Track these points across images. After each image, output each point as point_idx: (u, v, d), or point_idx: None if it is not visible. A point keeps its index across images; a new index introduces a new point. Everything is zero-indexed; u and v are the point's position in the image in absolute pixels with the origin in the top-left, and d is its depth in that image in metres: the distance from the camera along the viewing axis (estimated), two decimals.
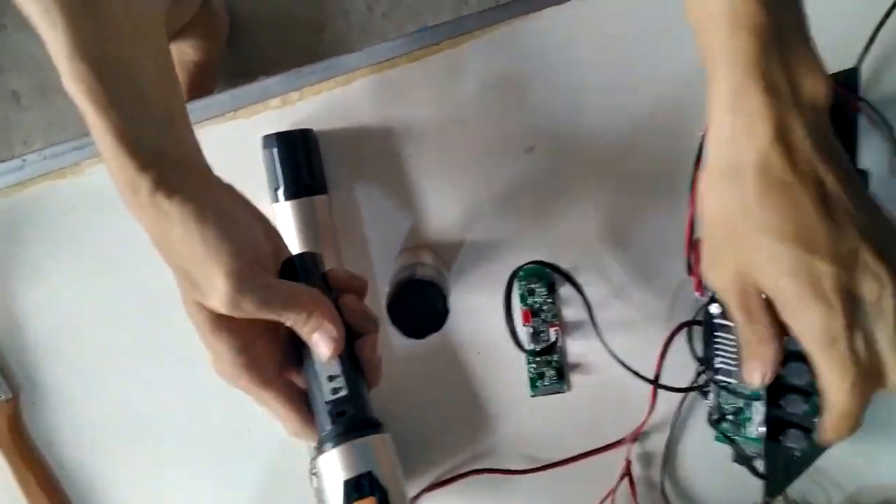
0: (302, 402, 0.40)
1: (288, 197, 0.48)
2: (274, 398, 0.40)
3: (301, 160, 0.49)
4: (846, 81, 0.45)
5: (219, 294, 0.36)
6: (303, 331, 0.39)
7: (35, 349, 0.55)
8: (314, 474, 0.51)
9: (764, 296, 0.38)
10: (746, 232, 0.36)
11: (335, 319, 0.39)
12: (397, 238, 0.53)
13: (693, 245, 0.49)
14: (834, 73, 0.44)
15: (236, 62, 0.96)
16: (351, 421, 0.38)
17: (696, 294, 0.51)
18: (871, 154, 0.50)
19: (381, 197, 0.53)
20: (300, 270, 0.41)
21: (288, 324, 0.38)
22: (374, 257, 0.53)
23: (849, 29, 0.48)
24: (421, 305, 0.44)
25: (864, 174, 0.48)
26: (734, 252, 0.37)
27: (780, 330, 0.38)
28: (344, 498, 0.36)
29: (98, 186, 0.52)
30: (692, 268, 0.50)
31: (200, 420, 0.56)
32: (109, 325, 0.55)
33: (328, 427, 0.38)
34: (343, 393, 0.38)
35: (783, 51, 0.35)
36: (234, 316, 0.37)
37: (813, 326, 0.35)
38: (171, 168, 0.37)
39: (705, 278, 0.39)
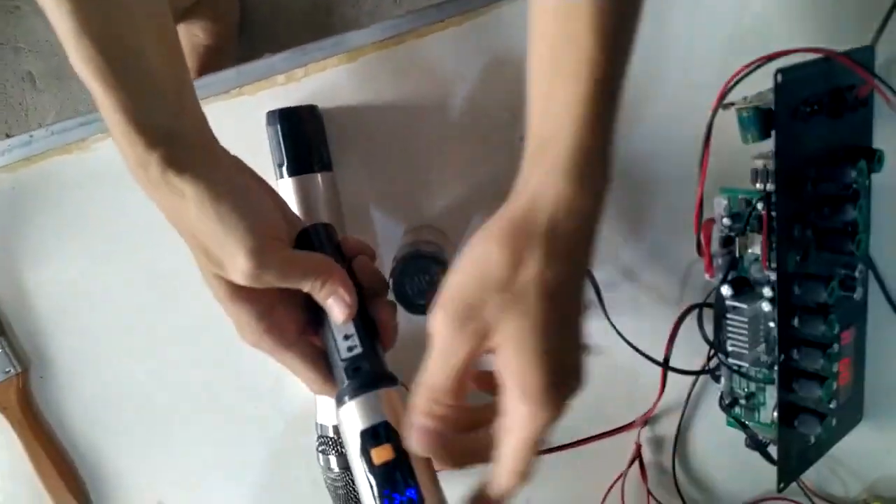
0: (322, 362, 0.42)
1: (291, 173, 0.48)
2: (295, 359, 0.42)
3: (305, 136, 0.48)
4: (861, 60, 0.44)
5: (240, 269, 0.37)
6: (318, 296, 0.40)
7: (44, 324, 0.55)
8: (321, 451, 0.51)
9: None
10: (525, 304, 0.34)
11: (348, 285, 0.40)
12: (403, 218, 0.53)
13: (703, 224, 0.48)
14: (848, 51, 0.43)
15: (244, 43, 0.96)
16: (366, 375, 0.40)
17: (707, 275, 0.49)
18: (885, 134, 0.48)
19: (387, 176, 0.52)
20: (315, 240, 0.43)
21: (305, 290, 0.40)
22: (379, 237, 0.53)
23: (864, 7, 0.46)
24: (424, 280, 0.43)
25: (877, 154, 0.47)
26: (501, 302, 0.34)
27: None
28: (361, 446, 0.38)
29: (105, 162, 0.52)
30: (702, 248, 0.48)
31: (208, 397, 0.56)
32: (117, 301, 0.55)
33: (345, 382, 0.40)
34: (357, 351, 0.40)
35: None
36: (258, 286, 0.38)
37: (521, 427, 0.35)
38: (181, 145, 0.38)
39: (440, 315, 0.35)
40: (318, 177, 0.49)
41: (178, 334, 0.55)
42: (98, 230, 0.53)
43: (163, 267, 0.54)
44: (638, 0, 0.36)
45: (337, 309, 0.40)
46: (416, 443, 0.37)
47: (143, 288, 0.55)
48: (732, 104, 0.45)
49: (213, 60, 0.92)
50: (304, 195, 0.48)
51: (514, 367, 0.34)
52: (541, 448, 0.36)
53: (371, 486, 0.38)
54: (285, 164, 0.48)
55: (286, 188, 0.48)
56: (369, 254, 0.44)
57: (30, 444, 0.56)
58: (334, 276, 0.40)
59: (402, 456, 0.38)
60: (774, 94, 0.41)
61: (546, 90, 0.35)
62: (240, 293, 0.39)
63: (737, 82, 0.44)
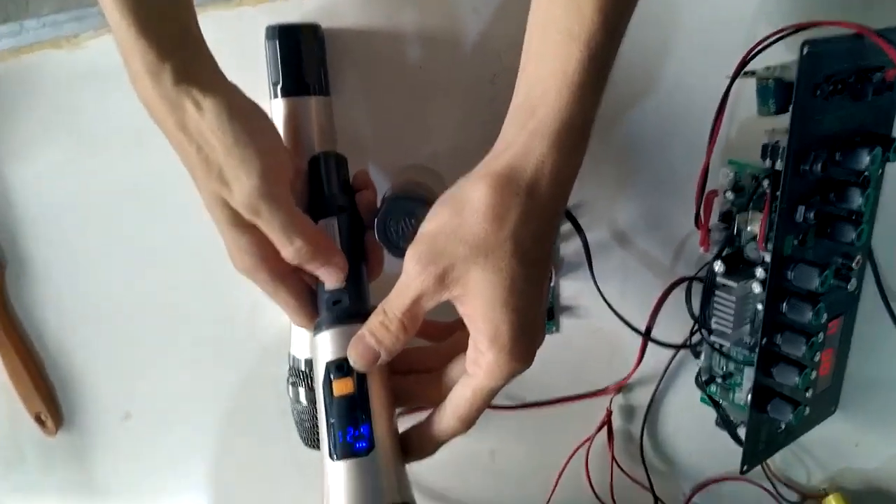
0: (310, 299, 0.42)
1: (285, 93, 0.46)
2: (286, 292, 0.41)
3: (303, 56, 0.46)
4: (890, 40, 0.42)
5: (246, 191, 0.37)
6: (306, 264, 0.40)
7: (22, 225, 0.54)
8: (292, 384, 0.50)
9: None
10: (500, 252, 0.34)
11: (342, 264, 0.41)
12: (398, 155, 0.51)
13: (706, 196, 0.47)
14: (883, 30, 0.40)
15: None
16: (344, 310, 0.40)
17: (701, 249, 0.48)
18: None
19: (387, 108, 0.50)
20: (324, 171, 0.44)
21: (287, 252, 0.39)
22: (372, 171, 0.51)
23: None
24: (410, 224, 0.42)
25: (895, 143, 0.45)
26: (471, 254, 0.34)
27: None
28: (324, 377, 0.39)
29: (96, 62, 0.49)
30: (701, 219, 0.47)
31: (182, 317, 0.55)
32: (98, 209, 0.53)
33: (324, 313, 0.41)
34: (342, 285, 0.41)
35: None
36: (247, 217, 0.38)
37: (486, 373, 0.36)
38: (194, 55, 0.38)
39: (410, 252, 0.35)
40: (313, 100, 0.47)
41: (157, 250, 0.54)
42: (83, 132, 0.51)
43: (148, 179, 0.52)
44: None
45: (326, 278, 0.41)
46: (352, 351, 0.38)
47: (125, 198, 0.53)
48: (753, 73, 0.43)
49: None
50: (297, 118, 0.46)
51: (485, 318, 0.34)
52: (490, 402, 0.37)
53: (327, 416, 0.38)
54: (280, 82, 0.46)
55: (278, 109, 0.46)
56: (373, 189, 0.45)
57: (1, 342, 0.55)
58: (323, 249, 0.40)
59: (361, 392, 0.38)
60: (798, 66, 0.39)
61: (540, 49, 0.35)
62: (241, 218, 0.39)
63: (761, 49, 0.42)
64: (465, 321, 0.36)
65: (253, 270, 0.41)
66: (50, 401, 0.57)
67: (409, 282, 0.35)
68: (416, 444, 0.39)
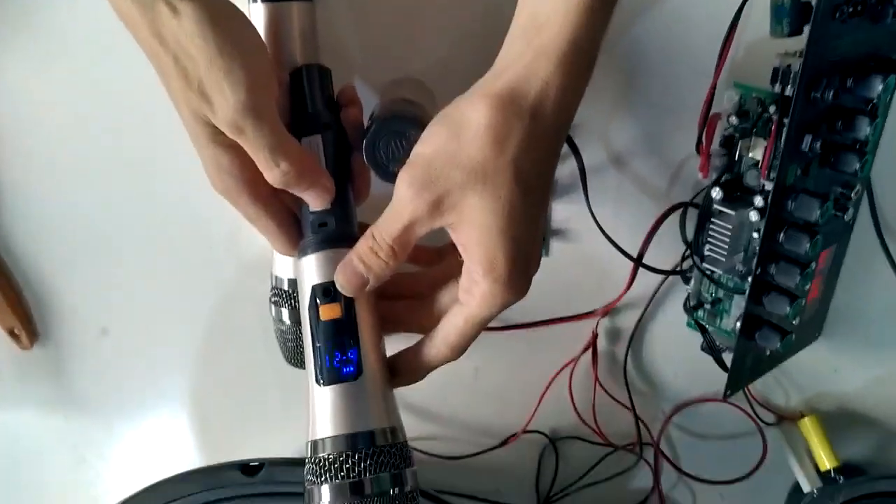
0: (292, 222, 0.41)
1: None
2: (268, 216, 0.40)
3: None
4: None
5: (228, 107, 0.34)
6: (292, 189, 0.38)
7: None
8: (274, 303, 0.49)
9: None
10: (500, 178, 0.32)
11: (329, 186, 0.39)
12: (387, 66, 0.48)
13: (709, 120, 0.45)
14: None
15: None
16: (331, 232, 0.39)
17: (700, 175, 0.47)
18: None
19: (374, 14, 0.47)
20: (307, 84, 0.41)
21: (274, 173, 0.36)
22: (357, 84, 0.48)
23: None
24: (400, 145, 0.40)
25: None
26: (468, 180, 0.32)
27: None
28: (311, 300, 0.38)
29: None
30: (702, 145, 0.45)
31: (159, 233, 0.53)
32: (65, 119, 0.50)
33: (310, 235, 0.39)
34: (327, 207, 0.39)
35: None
36: (231, 136, 0.35)
37: (480, 303, 0.35)
38: None
39: (403, 176, 0.34)
40: (295, 6, 0.43)
41: (131, 163, 0.51)
42: (50, 36, 0.47)
43: (120, 86, 0.49)
44: None
45: (312, 200, 0.39)
46: (339, 276, 0.37)
47: (94, 108, 0.50)
48: None
49: None
50: (277, 25, 0.42)
51: (481, 247, 0.33)
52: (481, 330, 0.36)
53: (314, 340, 0.38)
54: None
55: (257, 14, 0.42)
56: (359, 105, 0.42)
57: None
58: (312, 178, 0.38)
59: (349, 317, 0.38)
60: None
61: None
62: (223, 135, 0.36)
63: None
64: (459, 249, 0.35)
65: (234, 192, 0.38)
66: (24, 315, 0.56)
67: (401, 207, 0.34)
68: (404, 370, 0.39)
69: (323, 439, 0.36)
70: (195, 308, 0.56)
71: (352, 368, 0.37)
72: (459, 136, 0.32)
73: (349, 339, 0.37)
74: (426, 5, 0.46)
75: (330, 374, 0.37)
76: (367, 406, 0.37)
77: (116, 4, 0.34)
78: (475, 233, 0.33)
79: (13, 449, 0.61)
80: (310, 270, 0.38)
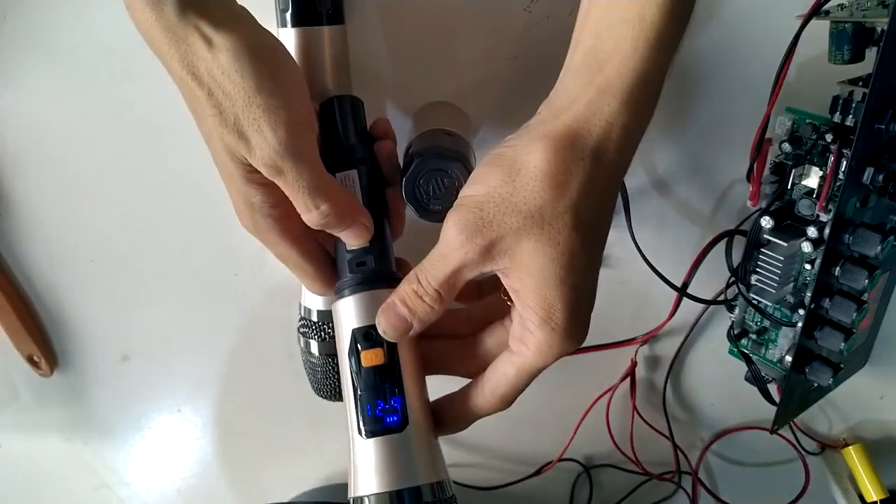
0: (325, 261, 0.39)
1: (296, 22, 0.40)
2: (300, 255, 0.38)
3: None
4: None
5: (267, 147, 0.32)
6: (330, 228, 0.36)
7: (2, 159, 0.48)
8: (302, 334, 0.47)
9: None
10: (558, 223, 0.30)
11: (368, 225, 0.37)
12: (419, 89, 0.46)
13: (761, 146, 0.43)
14: None
15: None
16: (370, 272, 0.37)
17: (749, 203, 0.45)
18: None
19: (406, 37, 0.45)
20: (339, 116, 0.39)
21: (310, 216, 0.35)
22: (390, 106, 0.46)
23: None
24: (441, 183, 0.38)
25: None
26: (524, 225, 0.30)
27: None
28: (350, 345, 0.36)
29: None
30: (754, 172, 0.43)
31: (182, 257, 0.52)
32: (87, 140, 0.48)
33: (347, 276, 0.37)
34: (365, 245, 0.37)
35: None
36: (269, 177, 0.33)
37: (535, 353, 0.33)
38: None
39: (453, 220, 0.32)
40: (326, 30, 0.41)
41: (154, 185, 0.49)
42: (70, 59, 0.45)
43: (141, 107, 0.47)
44: None
45: (350, 238, 0.37)
46: (382, 320, 0.35)
47: (116, 128, 0.48)
48: (827, 14, 0.38)
49: None
50: (309, 52, 0.40)
51: (538, 296, 0.31)
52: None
53: (355, 388, 0.35)
54: (290, 9, 0.40)
55: (287, 40, 0.41)
56: (393, 139, 0.40)
57: None
58: (349, 212, 0.36)
59: (392, 362, 0.35)
60: (892, 10, 0.34)
61: None
62: (258, 174, 0.34)
63: None
64: (511, 294, 0.33)
65: (265, 231, 0.37)
66: (43, 342, 0.55)
67: (450, 252, 0.32)
68: (449, 419, 0.37)
69: (367, 496, 0.34)
70: (218, 334, 0.54)
71: (396, 418, 0.35)
72: (515, 179, 0.30)
73: (393, 387, 0.35)
74: (459, 27, 0.44)
75: (373, 425, 0.35)
76: (414, 460, 0.35)
77: (148, 35, 0.32)
78: (531, 280, 0.31)
79: (34, 474, 0.60)
80: (349, 313, 0.36)
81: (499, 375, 0.34)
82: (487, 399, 0.35)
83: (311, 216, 0.34)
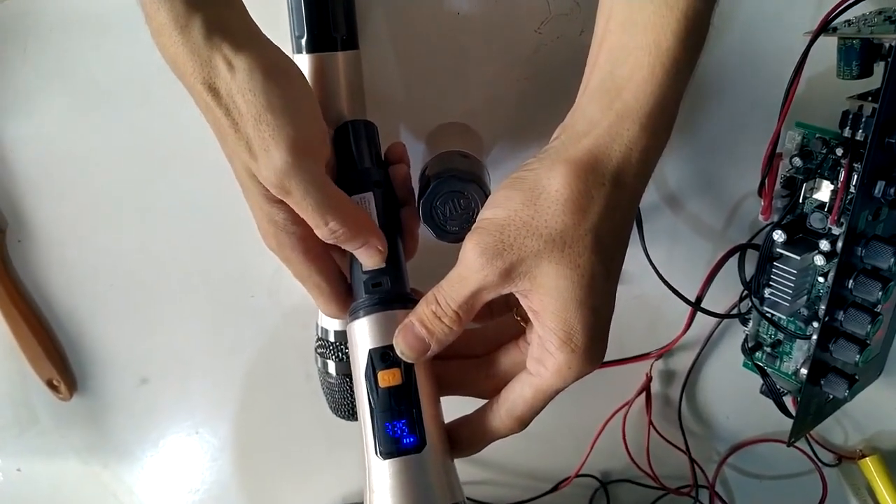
0: (342, 284, 0.39)
1: (311, 48, 0.41)
2: (319, 273, 0.38)
3: (332, 5, 0.41)
4: None
5: (273, 166, 0.33)
6: (345, 246, 0.37)
7: (21, 184, 0.49)
8: (320, 354, 0.48)
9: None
10: (579, 246, 0.31)
11: (379, 235, 0.37)
12: (431, 110, 0.47)
13: (772, 161, 0.43)
14: None
15: None
16: (386, 293, 0.37)
17: (761, 217, 0.45)
18: None
19: (419, 60, 0.45)
20: (354, 140, 0.40)
21: (321, 232, 0.35)
22: (403, 128, 0.47)
23: None
24: (458, 205, 0.38)
25: None
26: (545, 248, 0.31)
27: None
28: (368, 365, 0.36)
29: (97, 5, 0.44)
30: (765, 187, 0.44)
31: (200, 281, 0.52)
32: (103, 164, 0.49)
33: (363, 296, 0.38)
34: (381, 265, 0.38)
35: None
36: (276, 195, 0.34)
37: (554, 375, 0.33)
38: (224, 7, 0.34)
39: (472, 242, 0.32)
40: (341, 56, 0.42)
41: (170, 209, 0.50)
42: (86, 85, 0.46)
43: (157, 131, 0.48)
44: None
45: (365, 258, 0.37)
46: (400, 341, 0.35)
47: (134, 154, 0.49)
48: (835, 30, 0.39)
49: None
50: (324, 77, 0.41)
51: (557, 318, 0.31)
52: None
53: (372, 408, 0.36)
54: (305, 35, 0.41)
55: (302, 66, 0.41)
56: (408, 163, 0.41)
57: (6, 309, 0.52)
58: (363, 229, 0.36)
59: (409, 383, 0.36)
60: None
61: (627, 18, 0.30)
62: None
63: (850, 5, 0.37)
64: (531, 315, 0.33)
65: (287, 249, 0.37)
66: (62, 366, 0.55)
67: (470, 274, 0.32)
68: (465, 441, 0.37)
69: None
70: (235, 355, 0.55)
71: (413, 439, 0.35)
72: (536, 203, 0.31)
73: (409, 408, 0.35)
74: (470, 49, 0.45)
75: (390, 446, 0.35)
76: (430, 482, 0.35)
77: (172, 59, 0.33)
78: (551, 302, 0.31)
79: (54, 497, 0.60)
80: (365, 333, 0.37)
81: (515, 397, 0.34)
82: (504, 421, 0.35)
83: (322, 232, 0.35)
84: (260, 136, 0.33)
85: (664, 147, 0.32)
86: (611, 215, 0.31)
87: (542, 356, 0.33)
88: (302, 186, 0.34)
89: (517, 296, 0.33)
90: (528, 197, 0.31)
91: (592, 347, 0.32)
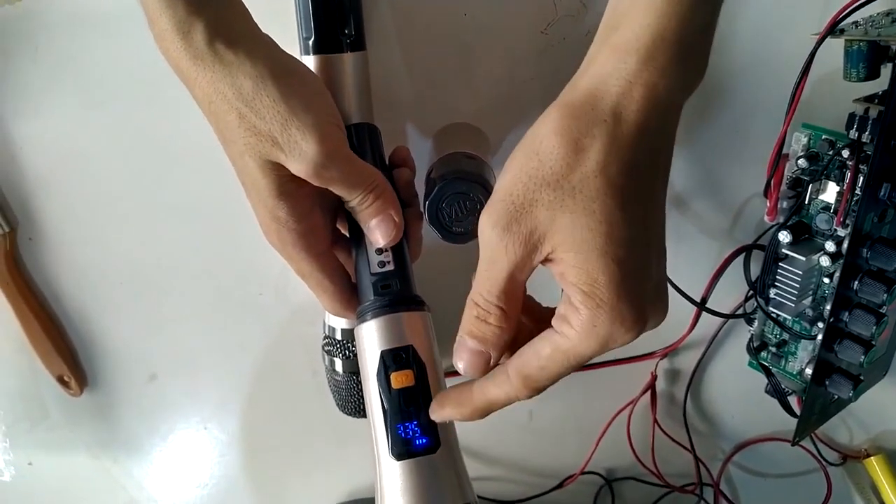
0: (346, 282, 0.40)
1: (318, 50, 0.41)
2: (322, 271, 0.38)
3: (339, 7, 0.41)
4: None
5: (308, 159, 0.34)
6: (363, 213, 0.37)
7: (31, 183, 0.50)
8: (327, 352, 0.48)
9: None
10: (589, 189, 0.28)
11: (398, 207, 0.38)
12: (438, 111, 0.47)
13: (778, 162, 0.43)
14: None
15: None
16: (395, 295, 0.38)
17: (767, 218, 0.45)
18: None
19: (425, 61, 0.46)
20: (358, 142, 0.40)
21: (351, 201, 0.37)
22: (409, 128, 0.47)
23: None
24: (464, 206, 0.38)
25: None
26: (555, 198, 0.28)
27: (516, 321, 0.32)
28: (380, 367, 0.36)
29: (106, 5, 0.44)
30: (771, 189, 0.44)
31: (208, 278, 0.53)
32: (112, 164, 0.49)
33: (371, 298, 0.38)
34: (389, 267, 0.38)
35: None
36: (313, 182, 0.35)
37: (579, 333, 0.29)
38: (228, 11, 0.34)
39: (485, 217, 0.30)
40: (348, 57, 0.42)
41: (178, 205, 0.50)
42: (94, 85, 0.47)
43: (166, 130, 0.48)
44: None
45: (382, 231, 0.37)
46: (460, 362, 0.32)
47: (142, 153, 0.49)
48: (842, 32, 0.39)
49: None
50: (331, 78, 0.41)
51: (579, 268, 0.29)
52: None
53: (384, 410, 0.36)
54: (313, 37, 0.41)
55: (310, 67, 0.42)
56: (411, 167, 0.41)
57: (18, 306, 0.52)
58: (387, 195, 0.37)
59: (421, 384, 0.36)
60: None
61: None
62: (287, 187, 0.35)
63: (858, 7, 0.37)
64: (559, 280, 0.30)
65: (290, 246, 0.37)
66: (73, 363, 0.56)
67: (495, 255, 0.30)
68: (465, 401, 0.33)
69: None
70: (243, 352, 0.55)
71: (426, 440, 0.35)
72: (538, 152, 0.29)
73: (422, 409, 0.35)
74: (476, 50, 0.45)
75: (403, 447, 0.35)
76: (443, 483, 0.35)
77: (176, 64, 0.34)
78: (571, 256, 0.29)
79: (65, 491, 0.61)
80: (376, 335, 0.37)
81: (530, 352, 0.31)
82: (510, 379, 0.31)
83: (352, 197, 0.37)
84: (289, 137, 0.34)
85: (681, 86, 0.29)
86: (620, 154, 0.28)
87: (567, 312, 0.29)
88: (337, 167, 0.35)
89: (549, 269, 0.30)
90: (530, 150, 0.29)
91: (621, 305, 0.28)
